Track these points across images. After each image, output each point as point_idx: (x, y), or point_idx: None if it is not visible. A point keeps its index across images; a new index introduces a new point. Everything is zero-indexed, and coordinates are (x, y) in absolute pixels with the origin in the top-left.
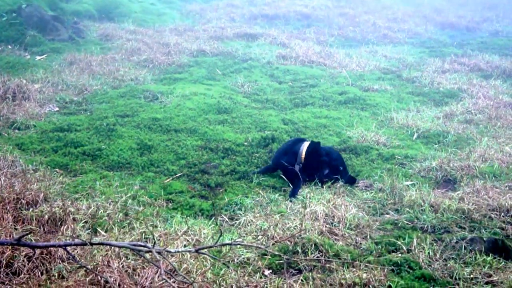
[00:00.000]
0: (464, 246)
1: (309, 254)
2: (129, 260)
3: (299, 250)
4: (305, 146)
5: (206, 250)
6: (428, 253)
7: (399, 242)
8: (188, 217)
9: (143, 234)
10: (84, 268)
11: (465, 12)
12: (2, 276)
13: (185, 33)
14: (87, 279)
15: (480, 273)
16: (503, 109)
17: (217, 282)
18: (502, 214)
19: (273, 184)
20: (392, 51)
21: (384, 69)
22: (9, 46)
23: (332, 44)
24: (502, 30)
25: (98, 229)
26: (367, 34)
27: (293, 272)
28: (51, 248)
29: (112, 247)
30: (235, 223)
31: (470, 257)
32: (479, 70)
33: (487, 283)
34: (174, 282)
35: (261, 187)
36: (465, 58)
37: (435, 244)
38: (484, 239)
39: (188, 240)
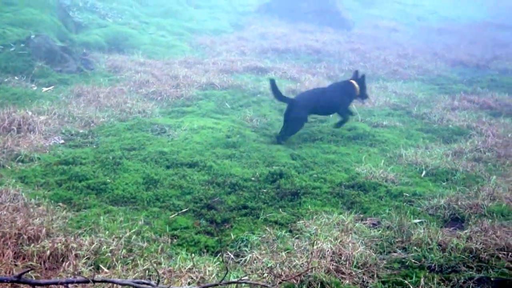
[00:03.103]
0: (472, 286)
1: None
2: None
3: None
4: None
5: None
6: None
7: (406, 281)
8: (193, 254)
9: (147, 271)
10: None
11: (476, 49)
12: None
13: (194, 66)
14: None
15: None
16: None
17: None
18: (510, 253)
19: (280, 220)
20: (402, 87)
21: (394, 105)
22: (16, 77)
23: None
24: None
25: (101, 266)
26: (378, 70)
27: None
28: (53, 286)
29: (115, 285)
30: (241, 260)
31: None
32: (489, 108)
33: None
34: None
35: (268, 223)
36: (474, 96)
37: (442, 283)
38: (492, 279)
39: (192, 278)
